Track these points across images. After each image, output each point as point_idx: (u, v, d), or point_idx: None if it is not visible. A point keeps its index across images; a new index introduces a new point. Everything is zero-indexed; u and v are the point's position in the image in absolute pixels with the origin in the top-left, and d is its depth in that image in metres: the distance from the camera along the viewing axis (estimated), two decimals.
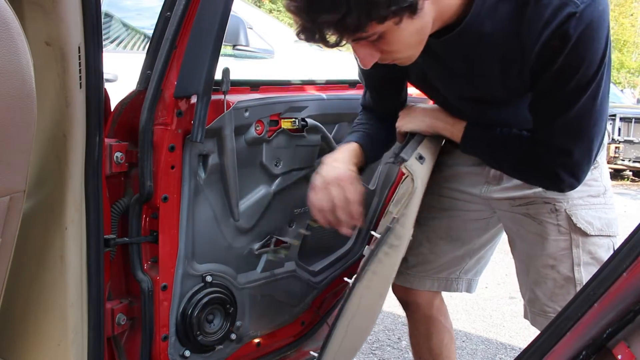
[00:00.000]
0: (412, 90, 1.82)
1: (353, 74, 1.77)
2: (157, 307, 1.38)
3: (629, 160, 8.35)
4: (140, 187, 1.31)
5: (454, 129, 1.33)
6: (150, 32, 3.07)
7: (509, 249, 1.52)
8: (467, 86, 1.27)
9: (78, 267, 1.19)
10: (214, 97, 1.35)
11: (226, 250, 1.51)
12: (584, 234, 1.35)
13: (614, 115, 8.03)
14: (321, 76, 1.80)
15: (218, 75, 1.36)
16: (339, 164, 1.37)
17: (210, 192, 1.44)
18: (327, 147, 1.63)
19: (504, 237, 1.61)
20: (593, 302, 0.80)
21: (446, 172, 1.51)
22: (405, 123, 1.41)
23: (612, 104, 7.96)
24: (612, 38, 1.14)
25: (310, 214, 1.41)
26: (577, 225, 1.34)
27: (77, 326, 1.21)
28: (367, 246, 1.36)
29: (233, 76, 1.40)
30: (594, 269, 1.30)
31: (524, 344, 2.30)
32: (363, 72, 1.46)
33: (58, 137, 1.11)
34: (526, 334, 2.91)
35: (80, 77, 1.09)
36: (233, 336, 1.54)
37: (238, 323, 1.55)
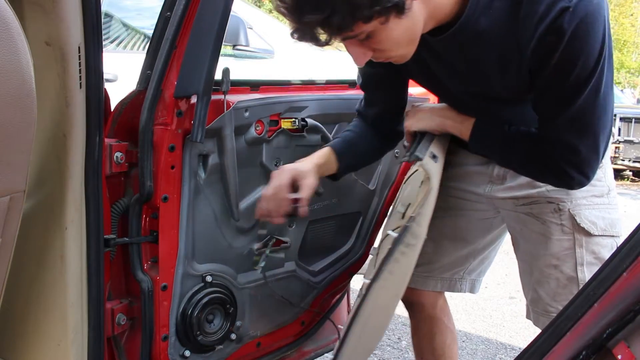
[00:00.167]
0: (413, 90, 1.82)
1: (353, 74, 1.77)
2: (157, 307, 1.38)
3: (629, 160, 8.35)
4: (140, 187, 1.31)
5: (463, 127, 1.33)
6: (150, 32, 3.07)
7: (509, 249, 1.52)
8: (469, 84, 1.27)
9: (78, 267, 1.19)
10: (214, 97, 1.35)
11: (226, 250, 1.51)
12: (588, 234, 1.34)
13: (614, 115, 8.03)
14: (321, 76, 1.80)
15: (218, 75, 1.36)
16: (301, 162, 1.39)
17: (210, 192, 1.44)
18: None
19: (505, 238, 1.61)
20: (593, 302, 0.80)
21: (451, 172, 1.50)
22: (414, 122, 1.41)
23: None
24: (612, 38, 1.14)
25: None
26: (581, 225, 1.34)
27: (77, 326, 1.21)
28: (373, 247, 1.35)
29: (233, 76, 1.40)
30: (597, 269, 1.30)
31: (524, 344, 2.30)
32: (363, 72, 1.46)
33: (58, 137, 1.11)
34: (526, 334, 2.91)
35: (80, 77, 1.09)
36: (233, 336, 1.54)
37: (238, 323, 1.55)
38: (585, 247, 1.34)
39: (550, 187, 1.35)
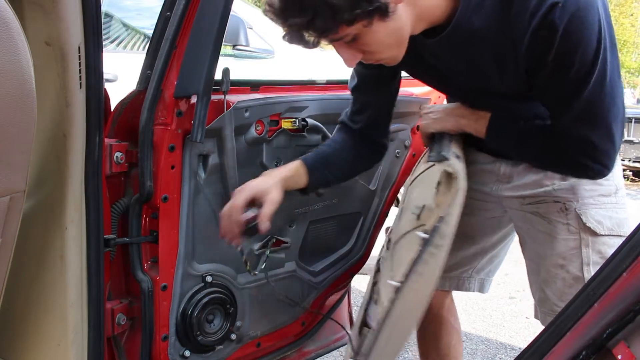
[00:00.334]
0: (414, 90, 1.82)
1: None
2: (157, 307, 1.38)
3: (629, 160, 8.36)
4: (140, 187, 1.31)
5: (478, 125, 1.32)
6: (150, 32, 3.07)
7: (509, 249, 1.51)
8: (471, 83, 1.27)
9: (78, 267, 1.19)
10: (214, 97, 1.35)
11: (226, 250, 1.50)
12: (594, 234, 1.33)
13: None
14: (321, 76, 1.80)
15: (218, 75, 1.36)
16: (267, 177, 1.36)
17: (210, 192, 1.44)
18: None
19: None
20: (593, 302, 0.80)
21: None
22: (430, 124, 1.40)
23: None
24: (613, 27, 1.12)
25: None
26: (587, 224, 1.32)
27: (77, 326, 1.21)
28: (385, 248, 1.32)
29: (233, 76, 1.40)
30: None
31: (524, 344, 2.30)
32: (358, 73, 1.45)
33: (58, 137, 1.11)
34: (526, 334, 2.91)
35: (80, 77, 1.09)
36: (233, 336, 1.54)
37: (238, 323, 1.55)
38: (591, 246, 1.33)
39: (556, 187, 1.34)
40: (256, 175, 1.53)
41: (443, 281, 1.58)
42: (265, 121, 1.50)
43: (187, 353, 1.45)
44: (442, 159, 1.26)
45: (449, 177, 1.25)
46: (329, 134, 1.64)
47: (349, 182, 1.66)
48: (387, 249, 1.41)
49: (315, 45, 1.07)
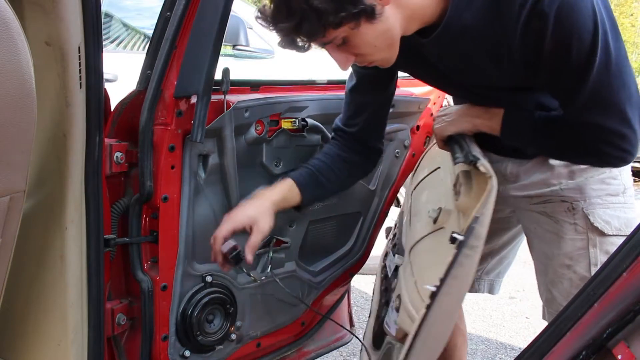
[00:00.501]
0: (414, 90, 1.82)
1: None
2: (157, 307, 1.38)
3: None
4: (140, 187, 1.31)
5: (492, 123, 1.29)
6: (150, 32, 3.07)
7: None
8: (470, 78, 1.26)
9: (78, 267, 1.19)
10: (214, 97, 1.35)
11: None
12: (601, 234, 1.32)
13: None
14: (321, 76, 1.80)
15: (218, 75, 1.36)
16: (258, 201, 1.37)
17: (210, 192, 1.44)
18: None
19: None
20: (593, 302, 0.80)
21: None
22: (447, 127, 1.37)
23: None
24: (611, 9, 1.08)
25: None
26: (594, 224, 1.31)
27: (77, 326, 1.21)
28: (395, 256, 1.30)
29: (233, 76, 1.40)
30: None
31: (524, 344, 2.30)
32: (357, 74, 1.45)
33: (58, 137, 1.11)
34: (526, 334, 2.91)
35: (80, 77, 1.09)
36: (233, 336, 1.54)
37: (238, 323, 1.55)
38: (599, 247, 1.32)
39: (564, 186, 1.33)
40: (256, 175, 1.54)
41: None
42: (265, 121, 1.50)
43: (187, 353, 1.45)
44: (473, 160, 1.22)
45: (467, 177, 1.24)
46: (329, 134, 1.64)
47: None
48: (398, 254, 1.38)
49: (307, 49, 1.10)
